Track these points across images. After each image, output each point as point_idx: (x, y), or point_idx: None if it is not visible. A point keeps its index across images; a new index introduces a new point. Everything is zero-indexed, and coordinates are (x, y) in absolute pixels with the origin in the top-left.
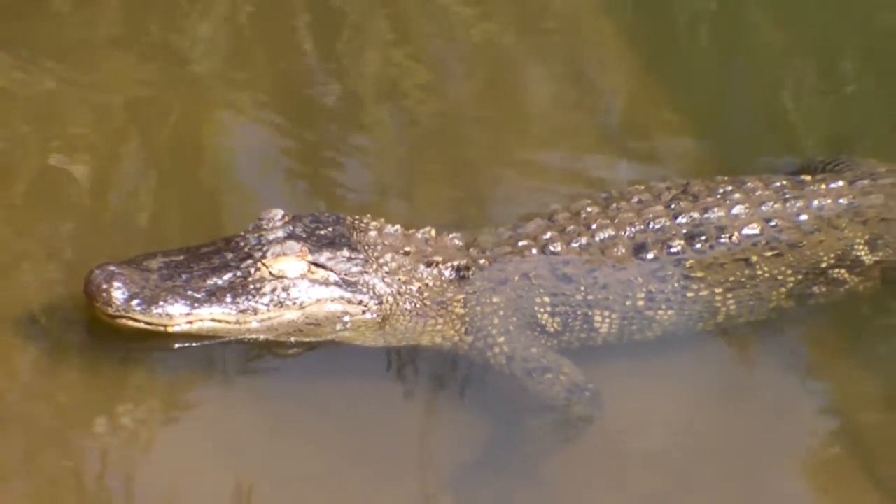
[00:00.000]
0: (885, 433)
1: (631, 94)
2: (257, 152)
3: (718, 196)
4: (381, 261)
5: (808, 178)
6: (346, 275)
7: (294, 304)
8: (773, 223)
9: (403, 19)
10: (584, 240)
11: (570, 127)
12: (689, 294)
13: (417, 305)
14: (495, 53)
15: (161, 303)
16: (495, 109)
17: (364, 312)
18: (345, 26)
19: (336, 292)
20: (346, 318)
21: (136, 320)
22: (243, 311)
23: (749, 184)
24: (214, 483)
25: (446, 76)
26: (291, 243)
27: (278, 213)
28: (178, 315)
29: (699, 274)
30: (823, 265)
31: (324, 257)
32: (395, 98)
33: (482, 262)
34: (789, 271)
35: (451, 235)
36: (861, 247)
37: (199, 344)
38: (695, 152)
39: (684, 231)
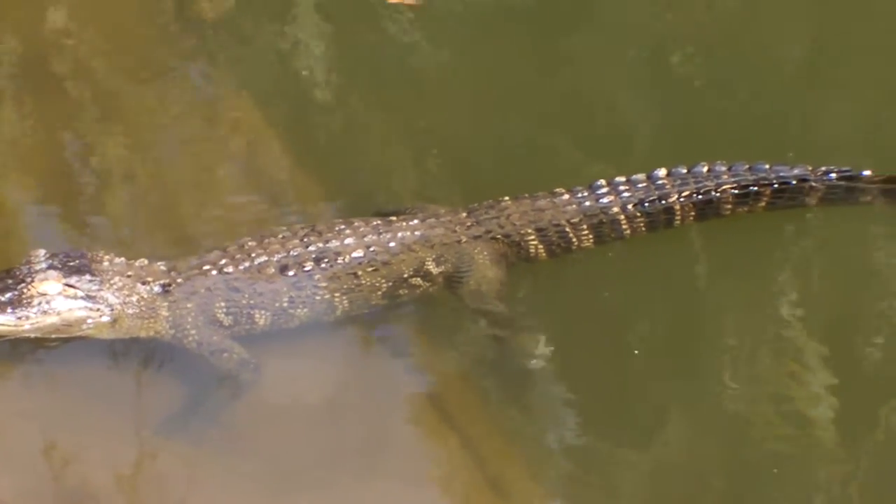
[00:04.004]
0: (455, 391)
1: (287, 172)
2: (34, 212)
3: (336, 232)
4: (112, 282)
5: (395, 218)
6: (88, 292)
7: (54, 312)
8: (372, 248)
9: (132, 124)
10: (247, 264)
11: (245, 196)
12: (318, 297)
13: (137, 311)
14: (195, 145)
15: None
16: (195, 184)
17: (101, 316)
18: (91, 130)
19: (82, 303)
20: (90, 321)
21: None
22: (19, 318)
23: (356, 223)
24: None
25: (164, 163)
26: (51, 272)
27: (42, 251)
28: None
29: (324, 284)
30: (405, 275)
31: (73, 280)
32: (128, 178)
33: (179, 280)
34: (383, 280)
35: (158, 263)
36: (430, 263)
37: None
38: (324, 206)
39: (314, 256)
